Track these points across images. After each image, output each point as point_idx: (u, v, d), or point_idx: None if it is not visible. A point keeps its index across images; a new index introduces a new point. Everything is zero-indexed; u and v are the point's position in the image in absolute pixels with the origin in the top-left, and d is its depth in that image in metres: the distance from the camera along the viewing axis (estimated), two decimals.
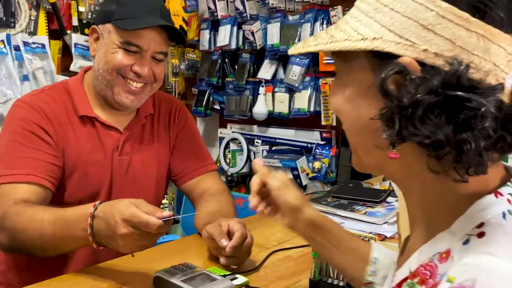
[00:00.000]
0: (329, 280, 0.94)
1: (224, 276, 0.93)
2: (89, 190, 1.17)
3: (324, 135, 2.37)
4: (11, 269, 1.20)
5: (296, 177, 2.36)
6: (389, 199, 1.45)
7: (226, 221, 1.00)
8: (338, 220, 1.35)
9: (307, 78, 2.33)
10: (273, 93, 2.47)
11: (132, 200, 0.90)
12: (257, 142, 2.61)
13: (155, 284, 0.92)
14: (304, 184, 2.35)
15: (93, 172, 1.17)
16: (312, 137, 2.40)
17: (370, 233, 1.25)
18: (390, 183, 1.75)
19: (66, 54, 2.35)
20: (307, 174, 2.33)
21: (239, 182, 2.77)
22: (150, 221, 0.85)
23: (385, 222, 1.31)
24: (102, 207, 0.93)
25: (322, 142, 2.34)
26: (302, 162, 2.34)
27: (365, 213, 1.35)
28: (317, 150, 2.32)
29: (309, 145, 2.37)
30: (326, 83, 2.25)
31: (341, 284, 0.93)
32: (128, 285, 0.92)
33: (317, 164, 2.28)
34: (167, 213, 0.89)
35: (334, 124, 2.26)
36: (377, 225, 1.30)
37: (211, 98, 2.76)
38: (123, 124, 1.24)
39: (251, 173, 2.72)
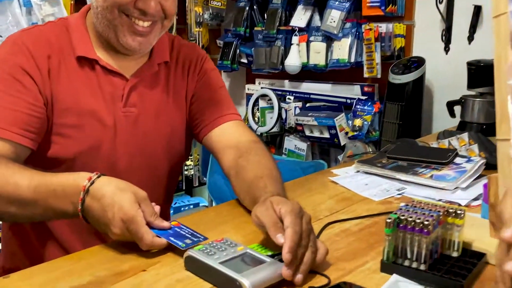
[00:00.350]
0: (406, 263, 0.73)
1: (273, 256, 0.73)
2: (83, 148, 0.97)
3: (366, 89, 2.12)
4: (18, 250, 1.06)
5: (334, 137, 2.14)
6: (457, 159, 1.22)
7: (278, 204, 0.76)
8: (397, 185, 1.13)
9: (348, 25, 2.07)
10: (308, 42, 2.22)
11: (138, 196, 0.76)
12: (289, 98, 2.39)
13: (188, 266, 0.72)
14: (342, 144, 2.13)
15: (89, 124, 0.97)
16: (352, 91, 2.16)
17: (440, 200, 1.03)
18: (449, 142, 1.51)
19: (79, 1, 2.13)
20: (346, 133, 2.10)
21: (269, 142, 2.57)
22: (145, 238, 0.74)
23: (456, 188, 1.09)
24: (100, 185, 0.77)
25: (364, 97, 2.11)
26: (340, 120, 2.11)
27: (431, 176, 1.13)
28: (358, 106, 2.09)
29: (349, 101, 2.14)
30: (370, 29, 1.98)
31: (422, 267, 0.72)
32: (154, 268, 0.73)
33: (357, 122, 2.05)
34: (166, 224, 0.78)
35: (379, 76, 2.01)
36: (447, 191, 1.08)
37: (237, 51, 2.53)
38: (130, 70, 1.02)
39: (281, 132, 2.53)
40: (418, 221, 0.71)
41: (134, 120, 1.01)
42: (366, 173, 1.21)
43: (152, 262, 0.74)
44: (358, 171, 1.23)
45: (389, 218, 0.72)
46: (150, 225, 0.76)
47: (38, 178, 0.81)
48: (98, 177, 0.78)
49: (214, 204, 2.13)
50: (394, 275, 0.72)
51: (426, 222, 0.71)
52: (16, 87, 0.90)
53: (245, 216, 0.93)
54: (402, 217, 0.73)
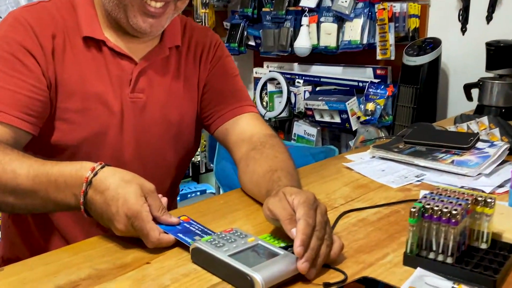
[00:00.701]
0: (431, 255, 0.67)
1: (286, 247, 0.68)
2: (87, 134, 0.91)
3: (379, 72, 2.05)
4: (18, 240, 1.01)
5: (345, 121, 2.07)
6: (479, 144, 1.16)
7: (291, 195, 0.70)
8: (416, 171, 1.07)
9: (360, 4, 1.99)
10: (318, 23, 2.14)
11: (145, 189, 0.71)
12: (298, 82, 2.32)
13: (194, 259, 0.67)
14: (354, 129, 2.06)
15: (94, 110, 0.91)
16: (364, 74, 2.09)
17: (462, 187, 0.97)
18: (468, 126, 1.44)
19: None
20: (358, 118, 2.04)
21: (277, 127, 2.51)
22: (150, 235, 0.68)
23: (479, 174, 1.02)
24: (104, 176, 0.71)
25: (376, 80, 2.03)
26: (352, 104, 2.04)
27: (451, 162, 1.07)
28: (371, 90, 2.01)
29: (361, 84, 2.06)
30: (383, 9, 1.90)
31: (449, 260, 0.66)
32: (158, 261, 0.68)
33: (370, 106, 1.97)
34: (174, 219, 0.73)
35: (392, 58, 1.93)
36: (469, 178, 1.02)
37: (245, 33, 2.46)
38: (140, 53, 0.96)
39: (290, 117, 2.46)
40: (445, 210, 0.66)
41: (142, 106, 0.95)
42: (382, 158, 1.15)
43: (156, 254, 0.69)
44: (373, 157, 1.17)
45: (414, 207, 0.66)
46: (157, 221, 0.71)
47: (37, 166, 0.75)
48: (102, 167, 0.72)
49: (221, 191, 2.08)
50: (419, 268, 0.66)
51: (454, 212, 0.65)
52: (17, 67, 0.84)
53: (255, 205, 0.88)
54: (428, 206, 0.67)
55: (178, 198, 1.21)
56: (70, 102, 0.89)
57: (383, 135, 1.95)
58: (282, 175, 0.82)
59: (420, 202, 0.68)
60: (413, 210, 0.66)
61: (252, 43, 2.46)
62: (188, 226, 0.74)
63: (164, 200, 0.75)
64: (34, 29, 0.87)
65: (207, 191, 2.79)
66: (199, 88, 1.04)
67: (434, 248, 0.68)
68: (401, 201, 0.91)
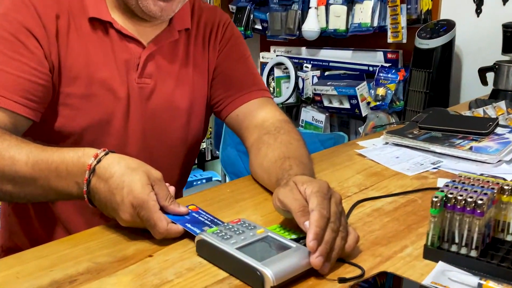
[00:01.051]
0: (454, 248, 0.63)
1: (298, 240, 0.63)
2: (92, 121, 0.87)
3: (390, 55, 1.99)
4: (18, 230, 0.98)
5: (355, 107, 2.01)
6: (498, 129, 1.10)
7: (303, 184, 0.65)
8: (432, 158, 1.02)
9: None
10: (327, 5, 2.07)
11: (151, 177, 0.66)
12: (306, 66, 2.26)
13: (200, 251, 0.63)
14: (364, 115, 2.01)
15: (99, 95, 0.86)
16: (375, 58, 2.03)
17: (482, 174, 0.91)
18: (484, 111, 1.38)
19: None
20: (368, 103, 1.98)
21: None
22: (158, 225, 0.64)
23: (500, 161, 0.97)
24: (108, 163, 0.66)
25: (387, 65, 1.97)
26: (362, 89, 1.98)
27: (470, 148, 1.01)
28: (381, 74, 1.95)
29: (371, 69, 2.00)
30: None
31: (473, 254, 0.62)
32: (161, 253, 0.63)
33: (380, 91, 1.91)
34: (182, 208, 0.68)
35: (404, 41, 1.87)
36: (489, 165, 0.96)
37: (251, 16, 2.39)
38: (148, 36, 0.91)
39: (298, 103, 2.41)
40: (469, 200, 0.61)
41: (149, 92, 0.91)
42: (396, 145, 1.10)
43: (159, 247, 0.65)
44: (386, 143, 1.12)
45: (436, 197, 0.62)
46: (164, 210, 0.66)
47: (37, 153, 0.71)
48: (106, 154, 0.68)
49: (227, 178, 2.04)
50: (440, 262, 0.62)
51: (479, 201, 0.60)
52: (18, 49, 0.80)
53: (264, 193, 0.83)
54: (450, 195, 0.62)
55: None
56: (73, 87, 0.85)
57: (393, 121, 1.89)
58: (294, 164, 0.77)
59: (442, 191, 0.63)
60: (435, 199, 0.62)
61: (258, 26, 2.40)
62: (197, 216, 0.69)
63: (172, 188, 0.70)
64: (37, 8, 0.82)
65: (213, 179, 2.76)
66: (209, 72, 0.99)
67: (456, 240, 0.63)
68: (418, 189, 0.86)
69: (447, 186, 0.65)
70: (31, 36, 0.81)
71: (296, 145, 0.86)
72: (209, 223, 0.67)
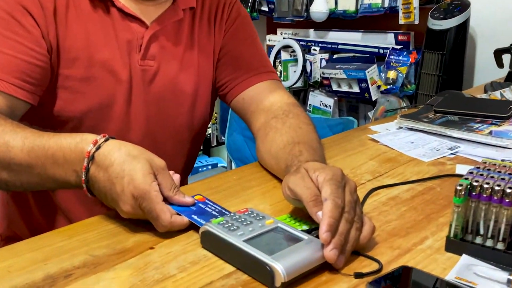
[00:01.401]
0: (478, 240, 0.58)
1: (309, 231, 0.59)
2: (92, 105, 0.82)
3: (401, 37, 1.92)
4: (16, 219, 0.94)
5: (364, 91, 1.95)
6: None
7: (315, 171, 0.60)
8: (449, 143, 0.97)
9: None
10: None
11: (154, 165, 0.62)
12: (314, 49, 2.20)
13: (204, 244, 0.59)
14: (374, 99, 1.95)
15: (100, 78, 0.81)
16: (385, 40, 1.97)
17: (503, 160, 0.86)
18: (501, 94, 1.32)
19: None
20: (378, 87, 1.92)
21: None
22: (161, 217, 0.59)
23: None
24: (108, 150, 0.62)
25: (398, 47, 1.91)
26: (372, 72, 1.92)
27: (489, 133, 0.96)
28: (392, 57, 1.89)
29: (382, 51, 1.94)
30: None
31: (499, 246, 0.57)
32: (163, 245, 0.59)
33: (391, 74, 1.86)
34: (188, 199, 0.64)
35: (416, 22, 1.80)
36: (511, 150, 0.91)
37: None
38: (151, 16, 0.85)
39: (306, 87, 2.35)
40: (497, 188, 0.56)
41: (152, 75, 0.86)
42: (411, 129, 1.05)
43: (161, 238, 0.60)
44: (400, 127, 1.07)
45: (460, 185, 0.57)
46: (168, 201, 0.62)
47: (33, 138, 0.66)
48: (106, 140, 0.63)
49: (233, 164, 2.00)
50: (464, 255, 0.57)
51: (508, 190, 0.55)
52: (13, 27, 0.75)
53: (272, 181, 0.79)
54: (476, 183, 0.57)
55: None
56: (73, 69, 0.80)
57: (404, 105, 1.83)
58: (304, 149, 0.72)
59: (466, 178, 0.58)
60: (459, 188, 0.57)
61: (265, 8, 2.34)
62: (203, 206, 0.65)
63: (177, 177, 0.66)
64: None
65: (219, 165, 2.72)
66: (214, 54, 0.94)
67: (481, 232, 0.58)
68: (436, 176, 0.81)
69: (471, 173, 0.60)
70: (28, 14, 0.76)
71: (306, 129, 0.81)
72: (217, 214, 0.63)
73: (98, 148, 0.62)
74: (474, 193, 0.57)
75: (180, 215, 0.61)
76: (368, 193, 0.74)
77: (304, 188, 0.58)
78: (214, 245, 0.57)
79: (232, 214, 0.61)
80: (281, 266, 0.50)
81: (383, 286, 0.50)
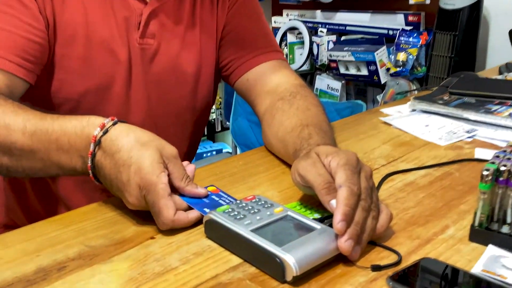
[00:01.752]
0: (505, 229, 0.54)
1: (322, 220, 0.55)
2: (89, 86, 0.78)
3: (411, 18, 1.86)
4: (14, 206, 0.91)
5: (373, 74, 1.90)
6: None
7: (327, 156, 0.55)
8: (466, 126, 0.92)
9: None
10: None
11: (165, 153, 0.57)
12: (321, 31, 2.14)
13: (209, 233, 0.54)
14: (383, 82, 1.89)
15: (98, 57, 0.77)
16: (395, 21, 1.90)
17: None
18: None
19: None
20: (388, 70, 1.86)
21: None
22: (163, 214, 0.54)
23: None
24: (115, 135, 0.57)
25: (408, 28, 1.84)
26: (381, 54, 1.86)
27: (509, 115, 0.91)
28: (402, 38, 1.83)
29: (391, 32, 1.88)
30: None
31: None
32: (165, 235, 0.55)
33: (401, 56, 1.80)
34: (201, 190, 0.59)
35: (427, 1, 1.73)
36: None
37: None
38: None
39: (312, 70, 2.29)
40: None
41: (152, 54, 0.81)
42: (425, 112, 1.00)
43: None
44: (414, 110, 1.02)
45: (486, 169, 0.52)
46: (179, 192, 0.57)
47: (35, 121, 0.62)
48: (114, 124, 0.58)
49: (238, 150, 1.96)
50: (490, 246, 0.53)
51: None
52: (9, 1, 0.71)
53: (280, 166, 0.75)
54: (503, 168, 0.52)
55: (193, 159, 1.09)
56: (70, 48, 0.76)
57: (415, 88, 1.78)
58: (314, 132, 0.68)
59: (493, 162, 0.53)
60: (485, 173, 0.52)
61: None
62: (217, 199, 0.60)
63: (191, 168, 0.61)
64: None
65: (224, 151, 2.68)
66: (217, 32, 0.89)
67: (508, 220, 0.54)
68: (454, 161, 0.77)
69: (497, 157, 0.55)
70: None
71: (315, 111, 0.76)
72: None
73: (106, 132, 0.57)
74: (501, 179, 0.53)
75: (188, 210, 0.56)
76: (383, 179, 0.70)
77: (315, 174, 0.54)
78: (219, 235, 0.53)
79: (238, 201, 0.56)
80: (293, 258, 0.46)
81: (405, 280, 0.46)
